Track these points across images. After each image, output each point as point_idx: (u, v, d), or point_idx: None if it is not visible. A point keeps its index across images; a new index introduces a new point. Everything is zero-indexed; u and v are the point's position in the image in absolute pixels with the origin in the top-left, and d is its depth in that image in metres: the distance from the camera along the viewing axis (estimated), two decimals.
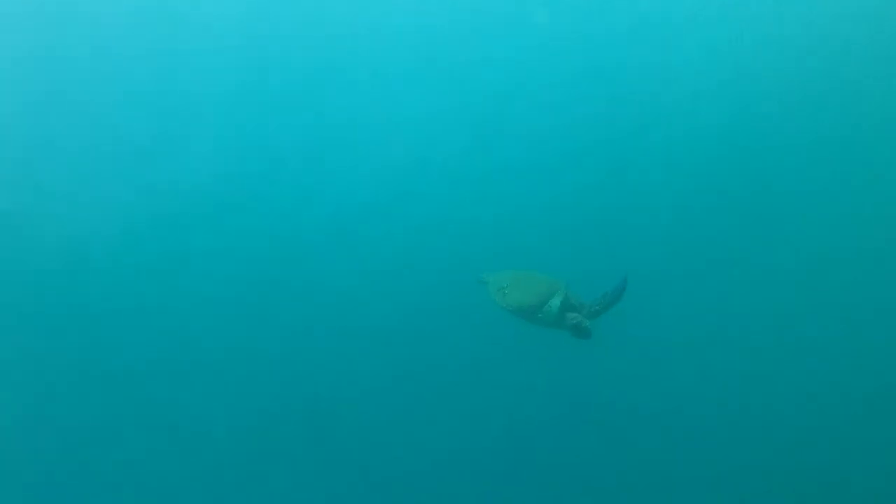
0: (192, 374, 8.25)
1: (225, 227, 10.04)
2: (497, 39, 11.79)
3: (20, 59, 10.86)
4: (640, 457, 7.27)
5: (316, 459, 7.56)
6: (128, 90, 11.11)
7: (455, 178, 10.75)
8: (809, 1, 11.19)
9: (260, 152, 11.05)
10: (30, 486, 7.66)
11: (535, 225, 9.67)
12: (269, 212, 10.33)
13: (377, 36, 11.78)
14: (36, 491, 7.64)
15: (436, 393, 7.85)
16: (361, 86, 11.63)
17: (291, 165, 11.01)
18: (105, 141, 10.51)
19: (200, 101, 11.14)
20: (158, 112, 10.97)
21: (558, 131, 10.99)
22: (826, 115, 10.46)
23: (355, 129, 11.29)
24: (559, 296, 5.95)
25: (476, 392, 7.78)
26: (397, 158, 10.86)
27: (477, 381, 7.86)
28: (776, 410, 7.51)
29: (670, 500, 7.14)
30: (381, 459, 7.44)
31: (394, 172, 10.82)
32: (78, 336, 8.60)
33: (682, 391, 7.66)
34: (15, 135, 10.43)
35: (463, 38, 11.90)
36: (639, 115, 10.80)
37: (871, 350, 7.81)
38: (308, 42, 11.81)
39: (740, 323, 8.25)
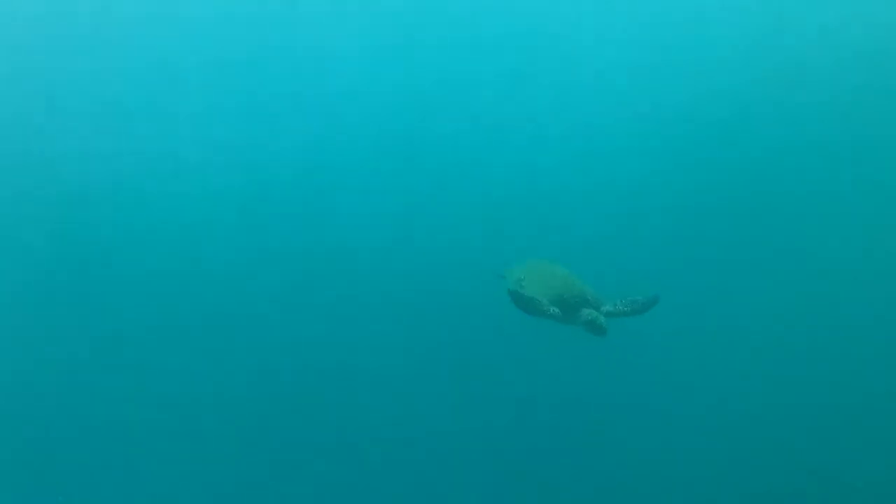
0: (195, 367, 8.22)
1: (240, 220, 10.09)
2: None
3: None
4: (642, 456, 7.26)
5: (318, 450, 7.49)
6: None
7: (472, 173, 10.79)
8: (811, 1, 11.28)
9: (282, 146, 11.09)
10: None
11: (550, 221, 9.72)
12: (285, 203, 10.38)
13: (398, 25, 11.83)
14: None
15: (449, 386, 7.80)
16: (386, 76, 11.68)
17: (313, 158, 11.05)
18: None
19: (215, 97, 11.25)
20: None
21: (576, 129, 11.06)
22: (831, 117, 10.54)
23: (377, 120, 11.33)
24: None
25: (488, 385, 7.74)
26: (418, 151, 10.92)
27: (491, 375, 7.85)
28: (781, 411, 7.51)
29: (670, 499, 7.15)
30: (383, 451, 7.35)
31: (412, 166, 10.89)
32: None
33: (688, 390, 7.66)
34: None
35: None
36: (655, 114, 10.88)
37: (879, 351, 7.85)
38: (317, 35, 11.86)
39: (750, 324, 8.24)
